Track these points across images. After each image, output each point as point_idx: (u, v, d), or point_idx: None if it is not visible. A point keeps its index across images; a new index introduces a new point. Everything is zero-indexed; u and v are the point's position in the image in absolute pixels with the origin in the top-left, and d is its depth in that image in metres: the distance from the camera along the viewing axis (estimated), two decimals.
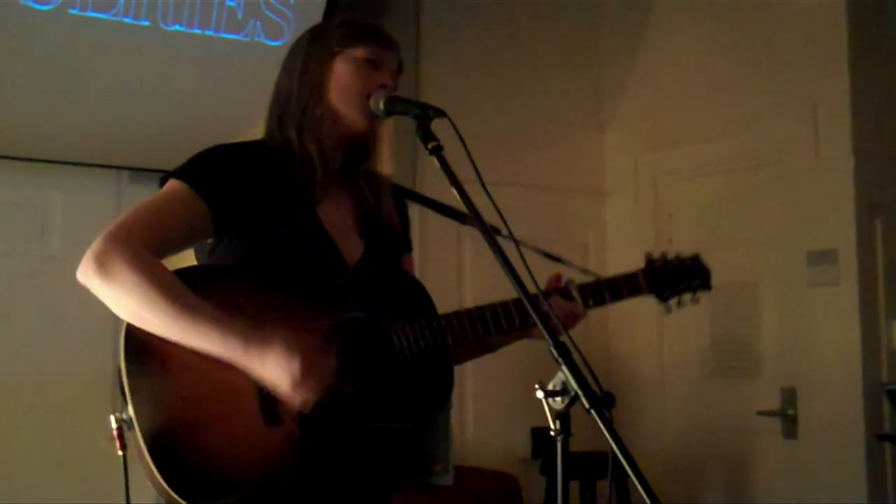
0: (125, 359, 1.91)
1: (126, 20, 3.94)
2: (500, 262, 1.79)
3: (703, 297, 5.06)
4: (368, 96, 2.17)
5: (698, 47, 5.17)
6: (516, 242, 1.91)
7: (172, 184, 2.07)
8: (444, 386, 2.16)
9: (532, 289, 1.82)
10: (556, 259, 2.19)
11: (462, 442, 4.85)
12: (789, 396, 4.61)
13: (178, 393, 1.91)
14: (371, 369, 2.06)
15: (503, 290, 2.26)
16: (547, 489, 4.66)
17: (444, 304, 2.26)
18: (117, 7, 3.91)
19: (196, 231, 2.07)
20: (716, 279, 4.92)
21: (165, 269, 1.97)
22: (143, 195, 4.22)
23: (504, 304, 2.22)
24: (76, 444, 4.14)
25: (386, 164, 2.35)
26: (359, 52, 2.20)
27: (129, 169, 4.31)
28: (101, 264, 1.93)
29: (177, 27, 4.05)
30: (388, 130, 2.29)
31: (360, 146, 2.26)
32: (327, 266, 2.14)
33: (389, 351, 2.09)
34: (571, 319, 2.28)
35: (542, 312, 1.77)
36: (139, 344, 1.91)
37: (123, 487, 4.10)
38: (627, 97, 5.56)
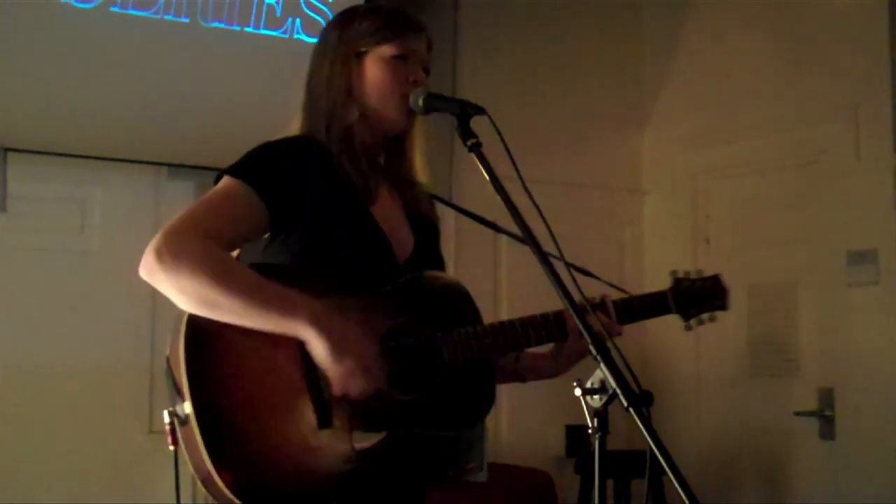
0: (185, 355, 1.89)
1: (166, 17, 3.97)
2: (539, 260, 1.79)
3: (741, 296, 5.08)
4: (405, 94, 2.16)
5: (738, 46, 5.13)
6: (555, 242, 1.90)
7: (228, 181, 2.05)
8: (486, 397, 2.17)
9: (571, 288, 1.82)
10: (586, 273, 2.16)
11: (496, 439, 4.85)
12: (827, 397, 4.57)
13: (236, 390, 1.91)
14: (419, 377, 2.06)
15: (540, 298, 2.26)
16: (581, 487, 4.66)
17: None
18: (158, 5, 3.94)
19: (252, 228, 2.05)
20: (754, 278, 4.95)
21: (230, 255, 2.00)
22: (181, 191, 4.32)
23: (543, 315, 2.20)
24: (113, 437, 4.18)
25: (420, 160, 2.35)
26: (387, 50, 2.18)
27: (168, 165, 4.33)
28: (166, 256, 1.89)
29: (216, 24, 4.07)
30: (423, 127, 2.29)
31: (397, 143, 2.27)
32: (380, 264, 2.14)
33: (438, 360, 2.08)
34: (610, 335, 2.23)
35: (582, 312, 1.77)
36: (200, 339, 1.91)
37: (155, 478, 4.17)
38: (666, 95, 5.53)
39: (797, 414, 4.63)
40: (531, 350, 2.26)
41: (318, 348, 1.90)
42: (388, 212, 2.21)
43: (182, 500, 2.12)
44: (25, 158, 4.03)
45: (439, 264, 2.31)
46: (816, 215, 4.69)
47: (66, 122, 4.01)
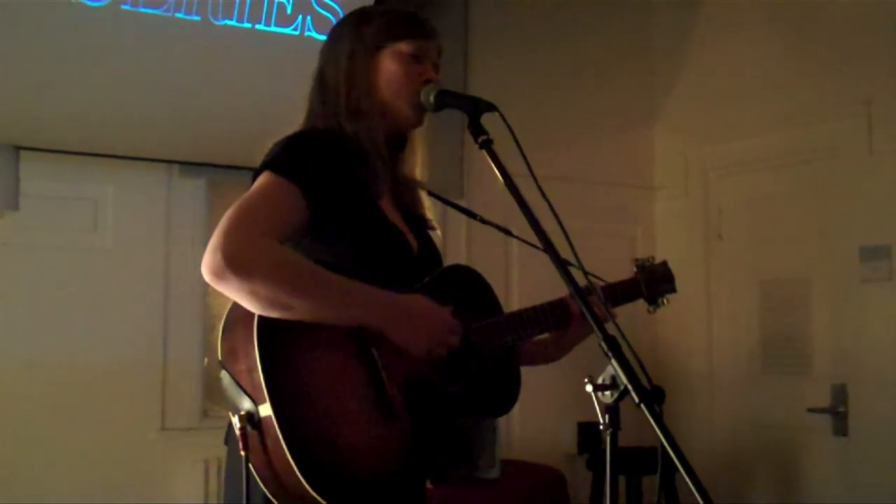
0: (260, 357, 1.86)
1: (177, 15, 3.97)
2: (549, 255, 1.79)
3: (754, 292, 5.07)
4: (417, 91, 2.18)
5: (750, 41, 5.12)
6: (567, 237, 1.90)
7: (269, 178, 2.01)
8: (515, 384, 2.21)
9: (582, 282, 1.83)
10: (568, 264, 2.16)
11: (508, 436, 4.86)
12: (840, 393, 4.56)
13: (310, 390, 1.90)
14: (460, 367, 2.11)
15: (551, 295, 2.29)
16: (593, 484, 4.66)
17: None
18: (168, 3, 3.95)
19: (296, 224, 2.02)
20: (767, 275, 4.94)
21: (295, 253, 1.99)
22: (192, 188, 4.34)
23: (558, 301, 2.28)
24: (126, 434, 4.19)
25: (429, 158, 2.36)
26: (403, 47, 2.21)
27: (180, 163, 4.34)
28: (236, 259, 1.85)
29: (227, 22, 4.08)
30: (429, 127, 2.31)
31: (399, 141, 2.29)
32: (401, 257, 2.17)
33: (473, 349, 2.13)
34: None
35: (592, 306, 1.78)
36: (273, 342, 1.89)
37: (167, 475, 4.18)
38: (678, 91, 5.53)
39: (810, 410, 4.62)
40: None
41: (404, 330, 2.00)
42: (390, 208, 2.24)
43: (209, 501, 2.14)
44: (38, 157, 4.04)
45: (441, 261, 2.34)
46: (829, 211, 4.68)
47: (78, 120, 4.02)
